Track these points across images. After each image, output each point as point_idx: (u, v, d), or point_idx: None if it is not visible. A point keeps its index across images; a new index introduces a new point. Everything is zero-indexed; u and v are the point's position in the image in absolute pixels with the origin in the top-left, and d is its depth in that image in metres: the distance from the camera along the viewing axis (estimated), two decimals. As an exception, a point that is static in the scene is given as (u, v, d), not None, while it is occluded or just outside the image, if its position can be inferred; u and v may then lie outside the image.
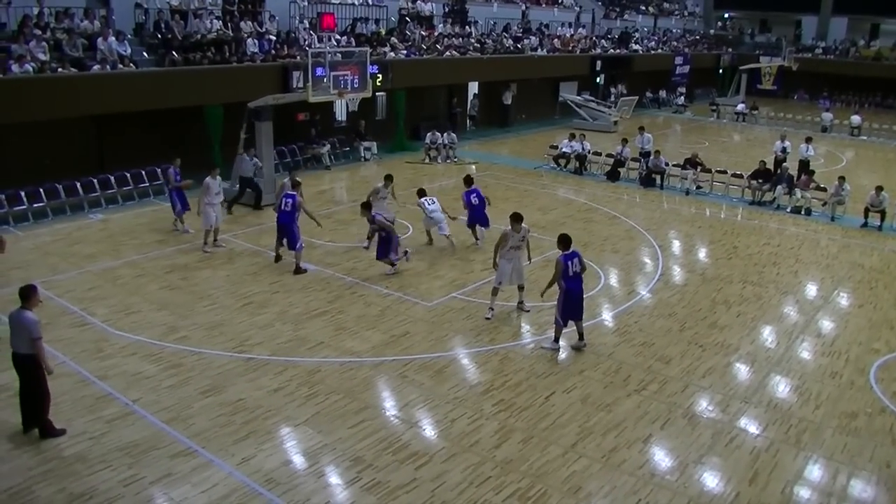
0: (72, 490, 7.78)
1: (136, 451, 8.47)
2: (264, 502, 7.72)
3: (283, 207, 14.28)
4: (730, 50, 51.42)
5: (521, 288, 12.82)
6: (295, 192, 14.63)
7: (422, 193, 16.06)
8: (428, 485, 8.10)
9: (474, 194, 15.91)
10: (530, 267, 13.27)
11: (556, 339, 11.48)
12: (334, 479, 8.21)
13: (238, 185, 18.45)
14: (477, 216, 16.05)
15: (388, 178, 16.22)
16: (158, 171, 19.26)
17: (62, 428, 8.73)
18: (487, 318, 12.46)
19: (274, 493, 7.86)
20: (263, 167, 18.94)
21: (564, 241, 11.25)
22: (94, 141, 19.72)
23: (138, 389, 9.82)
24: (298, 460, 8.51)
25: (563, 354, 11.42)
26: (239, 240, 16.11)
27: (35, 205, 17.24)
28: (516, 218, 12.43)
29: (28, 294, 8.62)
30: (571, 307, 11.22)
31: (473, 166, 25.23)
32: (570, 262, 11.09)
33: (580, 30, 40.26)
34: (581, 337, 11.52)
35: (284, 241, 14.40)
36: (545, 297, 11.64)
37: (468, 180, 16.45)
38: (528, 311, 12.83)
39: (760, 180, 21.51)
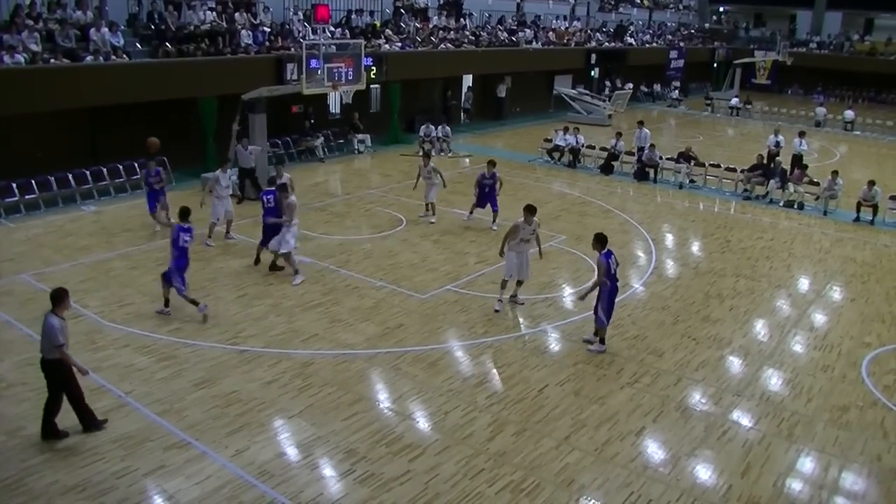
0: (65, 482, 7.77)
1: (130, 444, 8.46)
2: (258, 494, 7.73)
3: (266, 205, 13.70)
4: (724, 44, 51.42)
5: (519, 283, 12.80)
6: (274, 189, 13.82)
7: (428, 159, 17.54)
8: (421, 477, 8.12)
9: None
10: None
11: (602, 340, 11.27)
12: (328, 471, 8.22)
13: (238, 178, 18.31)
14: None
15: (274, 179, 14.54)
16: (152, 162, 19.25)
17: (65, 430, 8.58)
18: (497, 311, 12.45)
19: (267, 485, 7.86)
20: (258, 159, 18.90)
21: (601, 240, 11.00)
22: (87, 133, 19.62)
23: (131, 381, 9.81)
24: (292, 452, 8.52)
25: (556, 347, 11.46)
26: (232, 231, 16.05)
27: (27, 196, 17.12)
28: (530, 210, 12.29)
29: (59, 298, 8.40)
30: (612, 306, 11.13)
31: (467, 159, 25.25)
32: (610, 260, 10.92)
33: (575, 23, 40.22)
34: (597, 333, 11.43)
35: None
36: (581, 301, 11.64)
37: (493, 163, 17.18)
38: (522, 304, 12.84)
39: (759, 171, 21.57)
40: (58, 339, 8.16)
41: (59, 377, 8.36)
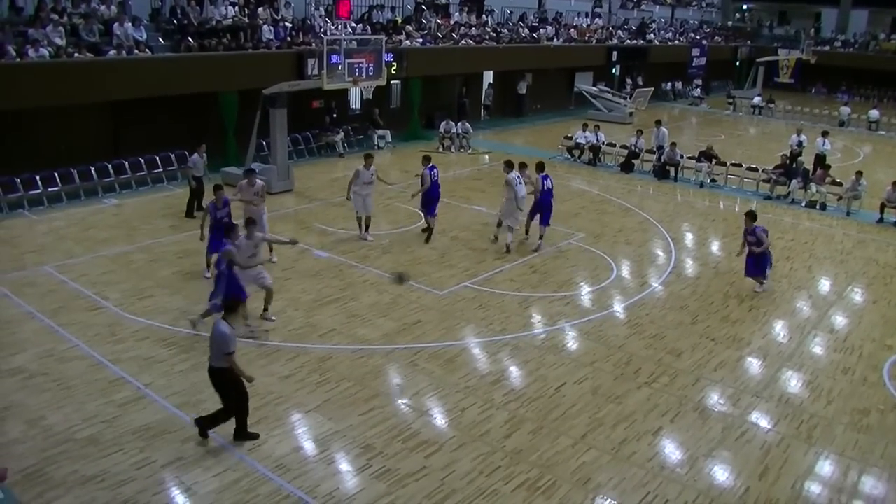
0: (84, 472, 7.86)
1: (148, 435, 8.54)
2: (274, 488, 7.77)
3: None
4: (748, 42, 50.94)
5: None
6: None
7: (511, 166, 15.14)
8: (438, 473, 8.13)
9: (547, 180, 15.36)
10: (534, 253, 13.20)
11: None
12: (344, 466, 8.25)
13: (190, 183, 16.73)
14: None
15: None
16: (172, 156, 19.48)
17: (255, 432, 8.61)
18: None
19: (284, 479, 7.90)
20: (278, 154, 18.98)
21: (539, 165, 15.51)
22: (109, 126, 19.80)
23: (150, 373, 9.89)
24: (309, 447, 8.56)
25: (573, 346, 11.41)
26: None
27: (50, 189, 17.31)
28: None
29: (234, 308, 8.52)
30: (537, 210, 15.38)
31: (487, 156, 25.20)
32: (546, 180, 15.18)
33: (597, 20, 40.02)
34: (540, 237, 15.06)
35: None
36: None
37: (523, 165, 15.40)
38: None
39: (781, 170, 21.39)
40: (229, 346, 8.14)
41: (228, 384, 8.32)
